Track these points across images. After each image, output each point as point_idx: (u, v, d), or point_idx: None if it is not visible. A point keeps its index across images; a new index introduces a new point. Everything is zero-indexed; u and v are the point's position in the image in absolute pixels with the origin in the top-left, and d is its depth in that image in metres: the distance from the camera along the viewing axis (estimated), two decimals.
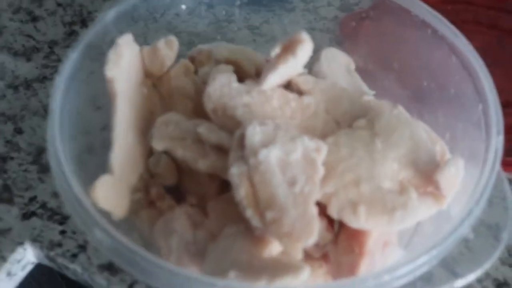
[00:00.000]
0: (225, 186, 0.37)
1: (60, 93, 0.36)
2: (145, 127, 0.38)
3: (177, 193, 0.39)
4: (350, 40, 0.51)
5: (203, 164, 0.35)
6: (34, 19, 0.64)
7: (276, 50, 0.34)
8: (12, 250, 0.44)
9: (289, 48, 0.33)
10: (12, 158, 0.51)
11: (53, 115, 0.34)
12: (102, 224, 0.31)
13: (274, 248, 0.32)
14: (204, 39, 0.50)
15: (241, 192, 0.31)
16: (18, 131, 0.53)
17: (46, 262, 0.45)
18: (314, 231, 0.30)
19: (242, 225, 0.33)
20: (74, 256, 0.44)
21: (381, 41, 0.47)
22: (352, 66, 0.46)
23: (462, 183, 0.35)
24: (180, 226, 0.35)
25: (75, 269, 0.43)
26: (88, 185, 0.33)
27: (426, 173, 0.35)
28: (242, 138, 0.32)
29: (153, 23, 0.47)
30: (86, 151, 0.38)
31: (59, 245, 0.44)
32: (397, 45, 0.48)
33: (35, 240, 0.45)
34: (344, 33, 0.53)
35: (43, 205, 0.47)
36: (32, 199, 0.48)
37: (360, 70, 0.46)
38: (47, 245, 0.44)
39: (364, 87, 0.44)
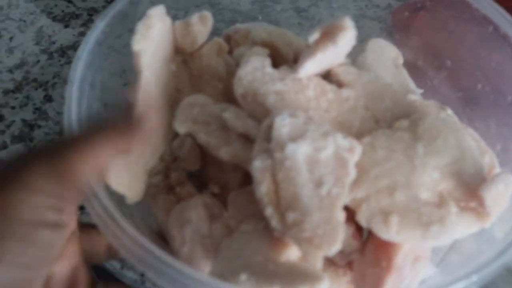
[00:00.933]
0: (249, 178, 0.35)
1: (82, 64, 0.34)
2: (171, 105, 0.36)
3: (199, 180, 0.37)
4: (402, 31, 0.47)
5: (225, 152, 0.32)
6: None
7: (315, 36, 0.30)
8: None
9: (329, 34, 0.30)
10: (39, 127, 0.50)
11: (71, 87, 0.32)
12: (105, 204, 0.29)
13: (292, 253, 0.29)
14: (247, 17, 0.47)
15: (263, 188, 0.28)
16: (48, 98, 0.52)
17: None
18: (338, 239, 0.27)
19: (261, 223, 0.30)
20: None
21: (436, 35, 0.43)
22: (400, 60, 0.42)
23: (511, 201, 0.31)
24: (196, 216, 0.32)
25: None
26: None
27: (470, 187, 0.31)
28: (269, 129, 0.29)
29: None
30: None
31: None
32: (452, 41, 0.44)
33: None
34: (396, 23, 0.49)
35: None
36: None
37: (409, 66, 0.42)
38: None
39: (411, 84, 0.41)
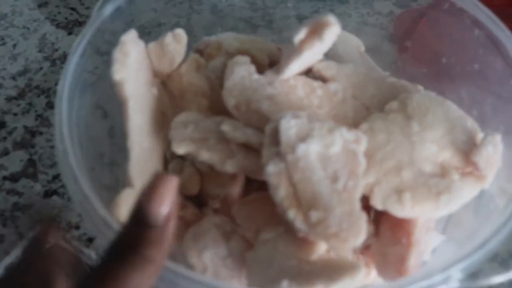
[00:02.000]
0: (247, 187, 0.35)
1: (69, 79, 0.33)
2: (159, 130, 0.35)
3: (196, 199, 0.37)
4: (404, 38, 0.48)
5: (231, 165, 0.32)
6: None
7: (300, 35, 0.31)
8: (30, 228, 0.44)
9: (315, 31, 0.31)
10: (41, 133, 0.50)
11: (59, 102, 0.32)
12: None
13: (320, 249, 0.29)
14: (250, 25, 0.48)
15: (281, 192, 0.28)
16: (51, 105, 0.52)
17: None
18: (363, 229, 0.28)
19: (280, 228, 0.31)
20: (90, 240, 0.43)
21: (437, 41, 0.44)
22: (362, 48, 0.43)
23: (502, 159, 0.33)
24: (211, 240, 0.32)
25: (89, 254, 0.42)
26: (104, 196, 0.30)
27: (465, 153, 0.33)
28: (275, 132, 0.30)
29: (198, 5, 0.46)
30: (97, 159, 0.36)
31: (77, 227, 0.43)
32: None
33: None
34: (398, 30, 0.50)
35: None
36: (56, 177, 0.47)
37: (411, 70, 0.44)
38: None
39: (378, 68, 0.42)
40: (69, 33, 0.58)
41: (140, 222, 0.23)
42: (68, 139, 0.31)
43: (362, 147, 0.30)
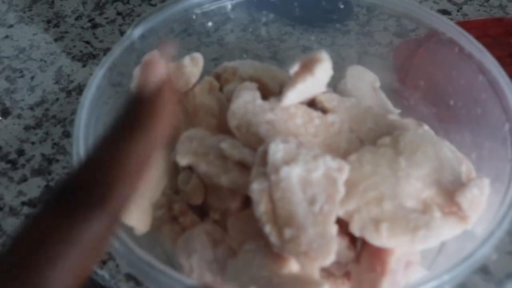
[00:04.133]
0: (247, 202, 0.37)
1: (85, 111, 0.36)
2: (169, 142, 0.38)
3: (200, 209, 0.39)
4: (403, 68, 0.50)
5: (225, 179, 0.35)
6: (94, 26, 0.67)
7: (294, 68, 0.34)
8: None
9: (307, 66, 0.33)
10: (57, 161, 0.53)
11: (78, 131, 0.35)
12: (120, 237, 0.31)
13: (293, 265, 0.32)
14: (254, 56, 0.51)
15: (261, 208, 0.31)
16: (66, 134, 0.55)
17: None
18: (331, 251, 0.30)
19: (261, 242, 0.33)
20: (103, 262, 0.45)
21: (435, 71, 0.46)
22: (377, 83, 0.45)
23: (489, 203, 0.34)
24: (200, 244, 0.35)
25: (103, 275, 0.44)
26: None
27: (451, 193, 0.34)
28: (264, 154, 0.32)
29: (206, 38, 0.49)
30: None
31: None
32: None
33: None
34: (397, 60, 0.52)
35: None
36: None
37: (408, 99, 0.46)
38: None
39: (389, 105, 0.44)
40: (84, 66, 0.62)
41: (136, 98, 0.25)
42: None
43: (343, 176, 0.32)
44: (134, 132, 0.24)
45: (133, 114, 0.24)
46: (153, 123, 0.24)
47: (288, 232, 0.30)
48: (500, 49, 0.60)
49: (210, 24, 0.46)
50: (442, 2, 0.68)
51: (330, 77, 0.36)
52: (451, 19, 0.65)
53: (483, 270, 0.41)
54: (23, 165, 0.53)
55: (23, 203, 0.50)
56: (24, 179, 0.51)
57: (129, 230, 0.34)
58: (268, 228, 0.30)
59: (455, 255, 0.36)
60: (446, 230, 0.33)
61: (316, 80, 0.34)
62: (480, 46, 0.40)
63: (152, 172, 0.36)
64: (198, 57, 0.39)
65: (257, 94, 0.37)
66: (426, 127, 0.40)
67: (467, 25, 0.62)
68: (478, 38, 0.55)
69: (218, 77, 0.42)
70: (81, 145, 0.35)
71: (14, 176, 0.52)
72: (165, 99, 0.25)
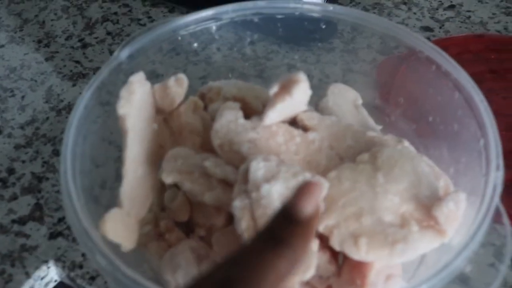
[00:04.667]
0: (232, 219, 0.38)
1: (73, 130, 0.37)
2: (155, 161, 0.40)
3: (186, 225, 0.40)
4: (386, 84, 0.52)
5: (209, 197, 0.36)
6: (84, 46, 0.68)
7: (274, 89, 0.35)
8: (37, 267, 0.47)
9: (285, 87, 0.35)
10: (47, 179, 0.54)
11: (65, 150, 0.36)
12: (104, 252, 0.32)
13: None
14: (241, 74, 0.52)
15: (243, 224, 0.32)
16: (56, 153, 0.57)
17: (67, 281, 0.48)
18: (311, 266, 0.31)
19: None
20: (93, 278, 0.46)
21: (415, 87, 0.48)
22: (359, 101, 0.47)
23: (465, 217, 0.35)
24: (184, 260, 0.36)
25: None
26: (98, 217, 0.35)
27: (428, 207, 0.35)
28: (246, 172, 0.33)
29: (194, 56, 0.50)
30: (99, 184, 0.40)
31: (80, 266, 0.47)
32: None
33: (59, 259, 0.47)
34: (380, 77, 0.53)
35: (70, 227, 0.49)
36: (61, 219, 0.51)
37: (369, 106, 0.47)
38: (69, 266, 0.47)
39: (371, 121, 0.45)
40: (74, 85, 0.64)
41: (288, 217, 0.26)
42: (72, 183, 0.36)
43: (322, 192, 0.33)
44: (283, 248, 0.25)
45: (284, 230, 0.25)
46: (301, 245, 0.26)
47: None
48: (480, 64, 0.62)
49: (195, 44, 0.47)
50: (425, 19, 0.70)
51: (310, 96, 0.37)
52: (434, 35, 0.67)
53: (464, 281, 0.42)
54: (13, 184, 0.54)
55: (13, 221, 0.50)
56: (14, 197, 0.52)
57: (116, 247, 0.35)
58: None
59: (434, 267, 0.37)
60: (423, 244, 0.34)
61: (295, 101, 0.35)
62: (455, 64, 0.41)
63: (138, 189, 0.37)
64: (183, 78, 0.40)
65: (240, 114, 0.38)
66: (406, 143, 0.41)
67: (448, 42, 0.64)
68: (459, 54, 0.56)
69: (203, 96, 0.43)
70: (68, 163, 0.36)
71: (4, 194, 0.53)
72: (314, 226, 0.27)
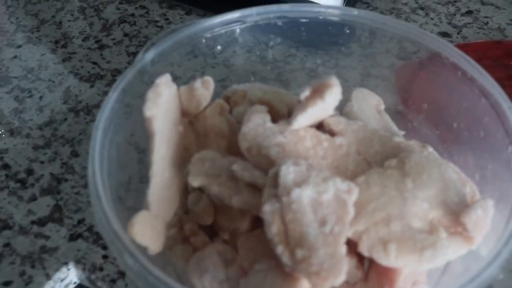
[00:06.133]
0: (256, 223, 0.38)
1: (100, 132, 0.37)
2: (181, 163, 0.39)
3: (210, 229, 0.40)
4: (405, 89, 0.51)
5: (236, 200, 0.36)
6: (101, 47, 0.68)
7: (306, 93, 0.35)
8: (57, 269, 0.47)
9: (318, 91, 0.35)
10: (66, 180, 0.54)
11: (93, 152, 0.36)
12: (134, 253, 0.32)
13: (304, 285, 0.32)
14: (260, 77, 0.52)
15: (273, 229, 0.32)
16: (75, 154, 0.56)
17: (87, 283, 0.48)
18: (342, 271, 0.31)
19: (273, 261, 0.34)
20: (113, 281, 0.46)
21: (436, 93, 0.48)
22: (382, 106, 0.47)
23: (493, 224, 0.35)
24: (212, 264, 0.36)
25: None
26: (124, 219, 0.35)
27: (456, 214, 0.35)
28: (276, 176, 0.33)
29: (212, 59, 0.49)
30: (124, 186, 0.40)
31: (100, 269, 0.47)
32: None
33: (79, 261, 0.47)
34: (399, 81, 0.53)
35: (90, 228, 0.49)
36: (81, 221, 0.50)
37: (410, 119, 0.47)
38: (89, 268, 0.47)
39: (394, 127, 0.45)
40: (91, 86, 0.64)
41: None
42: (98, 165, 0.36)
43: (353, 197, 0.33)
44: None
45: None
46: None
47: (299, 253, 0.31)
48: (499, 71, 0.61)
49: (219, 47, 0.47)
50: (442, 24, 0.70)
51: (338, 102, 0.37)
52: (451, 41, 0.67)
53: None
54: (32, 185, 0.54)
55: (33, 222, 0.50)
56: (33, 198, 0.52)
57: (143, 250, 0.35)
58: (280, 249, 0.31)
59: (460, 275, 0.37)
60: (452, 250, 0.34)
61: (326, 105, 0.35)
62: (481, 69, 0.41)
63: (166, 192, 0.37)
64: (209, 80, 0.40)
65: (267, 117, 0.38)
66: (430, 149, 0.41)
67: (467, 48, 0.64)
68: (477, 60, 0.56)
69: (227, 99, 0.43)
70: (96, 165, 0.36)
71: (23, 195, 0.53)
72: None
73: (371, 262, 0.35)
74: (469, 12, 0.72)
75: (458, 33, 0.68)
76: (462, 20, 0.70)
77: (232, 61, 0.52)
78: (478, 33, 0.68)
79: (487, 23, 0.70)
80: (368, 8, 0.73)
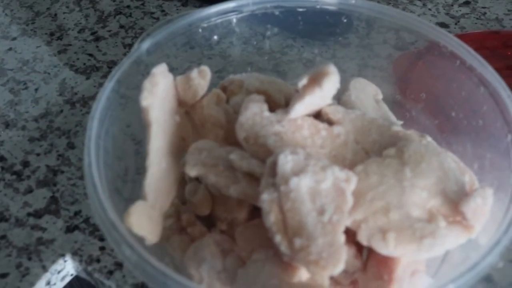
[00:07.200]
0: (254, 212, 0.38)
1: (96, 122, 0.37)
2: (178, 153, 0.39)
3: (207, 219, 0.40)
4: (402, 79, 0.51)
5: (234, 190, 0.35)
6: (97, 39, 0.68)
7: (303, 81, 0.35)
8: (53, 261, 0.47)
9: (316, 79, 0.34)
10: (62, 172, 0.54)
11: (89, 143, 0.36)
12: (131, 243, 0.32)
13: (303, 274, 0.32)
14: (257, 68, 0.52)
15: (271, 218, 0.32)
16: (71, 146, 0.56)
17: (84, 275, 0.47)
18: (341, 260, 0.30)
19: (271, 251, 0.34)
20: (110, 273, 0.45)
21: (434, 83, 0.47)
22: (380, 96, 0.46)
23: (492, 213, 0.35)
24: (209, 254, 0.35)
25: (110, 285, 0.45)
26: (121, 210, 0.34)
27: (455, 203, 0.35)
28: (274, 165, 0.33)
29: (208, 50, 0.49)
30: (121, 177, 0.40)
31: (97, 260, 0.46)
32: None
33: (76, 253, 0.47)
34: (396, 72, 0.53)
35: (86, 220, 0.49)
36: (77, 213, 0.50)
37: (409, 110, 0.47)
38: (86, 259, 0.46)
39: (392, 116, 0.45)
40: (87, 78, 0.64)
41: None
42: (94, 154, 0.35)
43: (351, 186, 0.33)
44: None
45: None
46: None
47: (298, 242, 0.31)
48: (497, 61, 0.61)
49: (215, 37, 0.47)
50: (440, 15, 0.69)
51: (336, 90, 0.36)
52: (449, 32, 0.66)
53: (487, 278, 0.41)
54: (28, 177, 0.53)
55: (29, 214, 0.50)
56: (29, 190, 0.52)
57: (140, 240, 0.34)
58: (278, 238, 0.31)
59: (459, 264, 0.36)
60: (451, 239, 0.34)
61: (324, 93, 0.35)
62: (480, 58, 0.41)
63: (162, 182, 0.37)
64: (206, 70, 0.39)
65: (265, 106, 0.38)
66: (429, 138, 0.40)
67: (465, 38, 0.63)
68: (476, 50, 0.56)
69: (224, 89, 0.43)
70: (92, 156, 0.35)
71: (19, 187, 0.52)
72: None
73: (370, 251, 0.35)
74: (466, 3, 0.71)
75: (456, 24, 0.68)
76: (460, 10, 0.70)
77: (228, 52, 0.52)
78: (475, 23, 0.68)
79: (485, 13, 0.69)
80: None
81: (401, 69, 0.52)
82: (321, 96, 0.35)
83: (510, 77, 0.60)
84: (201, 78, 0.39)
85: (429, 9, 0.70)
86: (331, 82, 0.34)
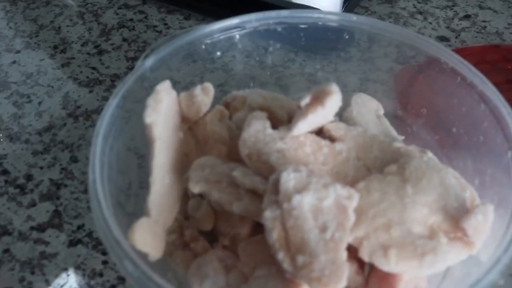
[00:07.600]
0: (256, 228, 0.38)
1: (100, 138, 0.37)
2: (181, 169, 0.40)
3: (210, 234, 0.40)
4: (403, 93, 0.51)
5: (237, 207, 0.36)
6: (100, 52, 0.68)
7: (306, 100, 0.35)
8: (56, 275, 0.47)
9: (318, 98, 0.35)
10: (65, 186, 0.54)
11: (93, 159, 0.36)
12: (134, 259, 0.32)
13: None
14: (259, 82, 0.52)
15: (274, 235, 0.32)
16: (74, 159, 0.56)
17: None
18: (343, 277, 0.31)
19: (273, 267, 0.34)
20: (113, 287, 0.46)
21: (434, 97, 0.48)
22: (381, 111, 0.47)
23: (492, 229, 0.35)
24: (212, 270, 0.36)
25: None
26: (124, 225, 0.35)
27: (456, 219, 0.35)
28: (276, 183, 0.33)
29: (211, 64, 0.49)
30: (124, 191, 0.40)
31: (100, 274, 0.47)
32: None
33: (79, 267, 0.47)
34: (397, 86, 0.53)
35: (90, 234, 0.49)
36: (80, 227, 0.50)
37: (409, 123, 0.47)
38: (89, 273, 0.47)
39: (394, 132, 0.45)
40: (91, 91, 0.64)
41: None
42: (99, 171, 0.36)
43: (353, 203, 0.33)
44: None
45: None
46: None
47: (300, 259, 0.31)
48: (497, 75, 0.62)
49: (218, 53, 0.47)
50: (440, 29, 0.70)
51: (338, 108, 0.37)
52: (450, 45, 0.67)
53: None
54: (32, 190, 0.53)
55: (32, 228, 0.50)
56: (33, 204, 0.52)
57: (143, 256, 0.35)
58: (281, 255, 0.31)
59: (460, 280, 0.37)
60: (452, 255, 0.34)
61: (326, 112, 0.35)
62: (480, 75, 0.41)
63: (166, 198, 0.37)
64: (209, 86, 0.40)
65: (267, 123, 0.38)
66: (430, 154, 0.41)
67: (465, 52, 0.64)
68: (476, 64, 0.56)
69: (227, 105, 0.43)
70: (97, 172, 0.36)
71: (22, 201, 0.53)
72: None
73: (372, 267, 0.35)
74: (467, 16, 0.72)
75: (456, 37, 0.69)
76: (460, 24, 0.71)
77: (231, 66, 0.52)
78: (476, 37, 0.68)
79: (485, 27, 0.70)
80: (366, 12, 0.73)
81: (402, 83, 0.53)
82: (324, 114, 0.35)
83: (510, 91, 0.60)
84: (204, 95, 0.40)
85: (430, 23, 0.71)
86: (334, 101, 0.35)
